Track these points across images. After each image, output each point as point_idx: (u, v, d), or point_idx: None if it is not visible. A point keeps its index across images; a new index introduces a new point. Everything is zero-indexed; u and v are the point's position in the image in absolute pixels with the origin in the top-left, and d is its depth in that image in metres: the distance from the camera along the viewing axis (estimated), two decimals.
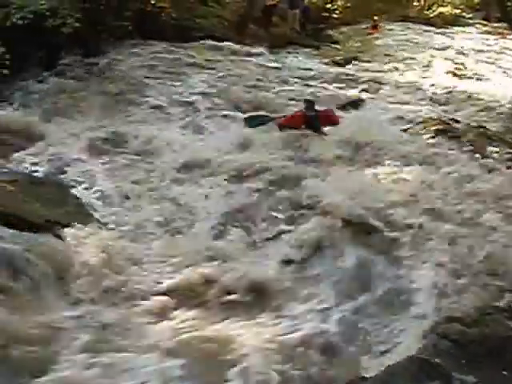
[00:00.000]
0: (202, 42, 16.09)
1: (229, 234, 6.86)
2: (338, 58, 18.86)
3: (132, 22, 14.34)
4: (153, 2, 15.66)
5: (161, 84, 12.90)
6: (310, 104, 10.51)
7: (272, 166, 8.53)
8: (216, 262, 6.06)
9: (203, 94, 12.59)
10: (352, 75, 16.15)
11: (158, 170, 8.74)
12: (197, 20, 16.69)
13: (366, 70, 17.16)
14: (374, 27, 24.72)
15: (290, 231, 6.91)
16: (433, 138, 10.00)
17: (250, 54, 16.36)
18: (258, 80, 14.04)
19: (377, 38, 23.29)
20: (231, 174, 8.47)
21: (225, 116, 11.53)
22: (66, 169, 8.57)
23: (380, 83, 15.53)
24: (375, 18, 24.87)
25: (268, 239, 6.82)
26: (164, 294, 5.56)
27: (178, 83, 13.12)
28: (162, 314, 5.26)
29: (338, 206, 6.97)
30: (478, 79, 17.50)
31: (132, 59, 14.02)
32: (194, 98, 12.34)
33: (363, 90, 14.88)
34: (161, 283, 5.74)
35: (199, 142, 10.07)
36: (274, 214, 7.31)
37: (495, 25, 30.13)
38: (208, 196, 7.83)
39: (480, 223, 6.91)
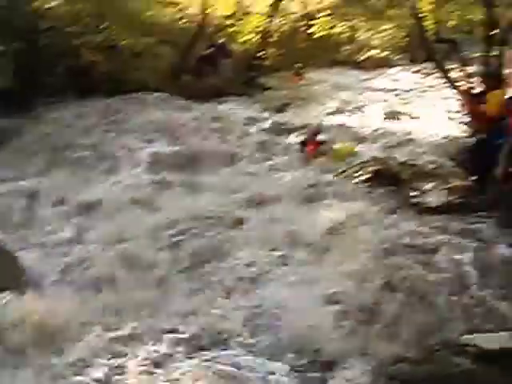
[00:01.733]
0: (135, 94, 15.99)
1: None
2: (273, 105, 19.09)
3: (65, 78, 14.21)
4: (85, 57, 15.55)
5: (89, 139, 12.60)
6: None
7: None
8: None
9: (129, 149, 12.37)
10: (287, 122, 16.28)
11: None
12: (130, 73, 16.62)
13: (301, 116, 17.35)
14: (297, 75, 25.01)
15: None
16: (369, 178, 10.10)
17: (183, 105, 16.28)
18: (190, 131, 13.85)
19: (309, 84, 23.66)
20: None
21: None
22: None
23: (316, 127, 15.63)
24: (297, 65, 25.14)
25: None
26: None
27: (110, 137, 12.86)
28: None
29: None
30: (409, 118, 17.92)
31: (63, 114, 13.75)
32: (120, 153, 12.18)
33: (299, 136, 14.99)
34: None
35: None
36: None
37: (422, 65, 31.11)
38: None
39: None
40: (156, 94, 16.35)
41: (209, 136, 13.54)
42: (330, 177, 10.80)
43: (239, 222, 8.33)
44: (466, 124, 12.90)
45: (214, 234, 7.95)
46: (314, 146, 12.88)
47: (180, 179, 10.48)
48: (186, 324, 5.76)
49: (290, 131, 15.23)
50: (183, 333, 5.58)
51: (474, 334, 5.31)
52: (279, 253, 7.42)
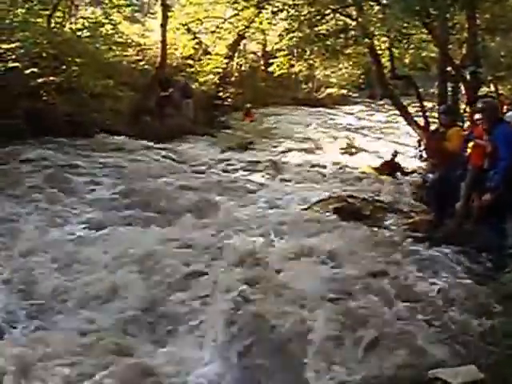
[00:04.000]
0: (95, 136, 15.85)
1: None
2: (235, 144, 19.21)
3: (23, 121, 14.04)
4: (44, 99, 15.41)
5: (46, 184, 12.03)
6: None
7: None
8: None
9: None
10: (249, 160, 16.36)
11: None
12: (90, 115, 16.53)
13: (264, 154, 17.49)
14: (247, 114, 25.31)
15: None
16: (332, 215, 10.16)
17: (145, 147, 16.20)
18: (153, 173, 13.51)
19: (270, 122, 23.92)
20: None
21: None
22: None
23: (278, 165, 15.76)
24: (247, 105, 25.41)
25: None
26: None
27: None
28: None
29: None
30: (368, 154, 18.17)
31: (20, 158, 13.31)
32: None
33: (263, 173, 15.05)
34: None
35: None
36: None
37: (380, 102, 31.76)
38: None
39: None
40: (117, 136, 16.18)
41: (168, 177, 13.32)
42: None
43: None
44: (424, 159, 13.09)
45: None
46: None
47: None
48: None
49: (252, 169, 15.30)
50: None
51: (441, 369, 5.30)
52: None
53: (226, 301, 6.17)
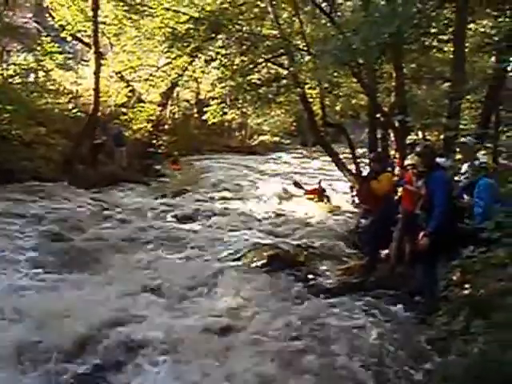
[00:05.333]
0: (25, 183, 15.48)
1: None
2: (169, 191, 19.13)
3: None
4: None
5: None
6: None
7: None
8: None
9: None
10: (183, 207, 16.27)
11: None
12: (21, 163, 16.22)
13: (197, 201, 17.42)
14: (174, 162, 25.37)
15: None
16: (265, 264, 10.14)
17: (76, 194, 15.96)
18: (80, 221, 13.21)
19: (203, 170, 23.97)
20: None
21: None
22: None
23: (210, 213, 15.72)
24: (174, 153, 25.52)
25: None
26: None
27: None
28: None
29: None
30: (301, 201, 18.33)
31: None
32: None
33: (197, 221, 14.97)
34: None
35: None
36: None
37: (312, 148, 32.31)
38: None
39: None
40: (48, 184, 15.87)
41: (102, 226, 13.11)
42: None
43: None
44: (356, 205, 13.31)
45: None
46: None
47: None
48: None
49: (186, 217, 15.21)
50: None
51: None
52: None
53: None
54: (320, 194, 17.87)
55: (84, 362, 6.26)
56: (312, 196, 17.96)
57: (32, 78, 20.10)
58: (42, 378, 5.92)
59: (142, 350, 6.55)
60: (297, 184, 19.21)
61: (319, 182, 18.59)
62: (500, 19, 13.32)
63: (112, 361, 6.33)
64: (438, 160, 8.10)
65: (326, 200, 17.57)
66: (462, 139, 9.23)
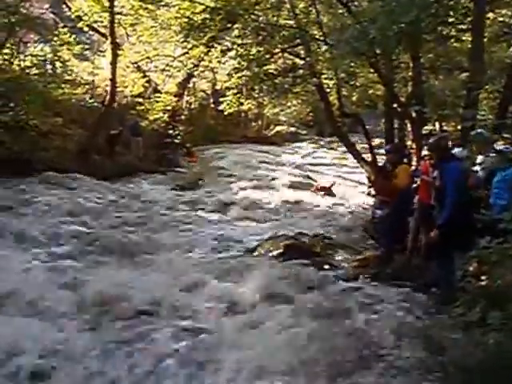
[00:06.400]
0: (43, 174, 15.56)
1: None
2: (184, 182, 19.18)
3: None
4: None
5: None
6: None
7: None
8: None
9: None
10: (200, 198, 16.32)
11: None
12: (38, 153, 16.30)
13: (213, 192, 17.46)
14: (189, 154, 25.33)
15: None
16: (282, 253, 10.15)
17: (93, 185, 16.03)
18: (100, 212, 13.44)
19: (220, 160, 23.95)
20: None
21: None
22: None
23: (228, 203, 15.76)
24: (187, 145, 25.53)
25: None
26: None
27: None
28: None
29: None
30: (319, 191, 18.31)
31: None
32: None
33: (213, 211, 15.03)
34: None
35: None
36: None
37: (328, 139, 32.16)
38: None
39: None
40: (65, 175, 15.92)
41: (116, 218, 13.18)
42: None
43: None
44: (373, 196, 13.26)
45: None
46: None
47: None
48: None
49: (203, 208, 15.26)
50: None
51: None
52: None
53: None
54: (329, 190, 18.48)
55: None
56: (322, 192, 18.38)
57: (49, 68, 20.11)
58: None
59: None
60: (323, 188, 19.05)
61: (333, 183, 19.33)
62: None
63: None
64: (454, 150, 8.03)
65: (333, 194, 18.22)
66: (478, 130, 9.16)
